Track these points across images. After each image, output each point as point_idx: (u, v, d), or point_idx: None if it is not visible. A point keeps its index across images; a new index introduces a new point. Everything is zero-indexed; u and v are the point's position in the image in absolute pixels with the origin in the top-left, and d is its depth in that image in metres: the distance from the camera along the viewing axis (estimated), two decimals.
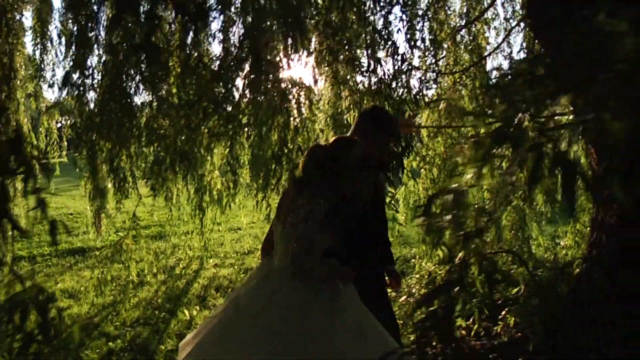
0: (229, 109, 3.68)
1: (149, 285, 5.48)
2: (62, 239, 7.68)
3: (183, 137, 3.67)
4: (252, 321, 2.33)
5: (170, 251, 6.96)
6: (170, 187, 4.74)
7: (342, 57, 4.49)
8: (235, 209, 6.07)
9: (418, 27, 4.74)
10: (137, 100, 4.03)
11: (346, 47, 4.53)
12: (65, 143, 6.54)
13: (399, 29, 4.74)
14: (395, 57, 4.76)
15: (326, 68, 4.56)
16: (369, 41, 4.55)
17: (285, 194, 2.78)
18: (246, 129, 4.29)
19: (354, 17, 4.54)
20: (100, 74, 4.25)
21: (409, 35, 4.73)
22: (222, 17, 4.07)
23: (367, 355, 2.13)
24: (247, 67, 4.11)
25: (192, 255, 6.69)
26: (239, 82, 3.95)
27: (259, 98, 3.99)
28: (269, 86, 3.96)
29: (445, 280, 0.82)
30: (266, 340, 2.23)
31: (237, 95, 4.04)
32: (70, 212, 9.99)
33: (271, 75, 3.95)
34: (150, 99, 3.89)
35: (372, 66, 4.50)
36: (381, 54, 4.70)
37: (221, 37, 4.12)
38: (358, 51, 4.58)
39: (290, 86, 4.22)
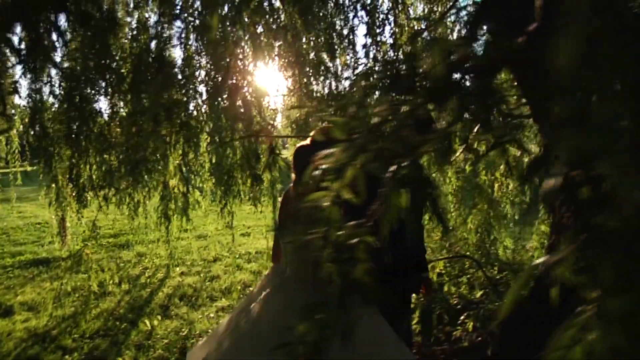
0: (182, 116, 3.62)
1: (112, 296, 5.37)
2: (27, 250, 7.54)
3: (136, 145, 3.60)
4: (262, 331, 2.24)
5: (136, 260, 6.85)
6: (132, 195, 4.67)
7: (303, 62, 4.45)
8: (202, 216, 6.00)
9: (379, 31, 4.75)
10: (96, 107, 3.97)
11: (308, 52, 4.51)
12: (28, 152, 6.42)
13: (365, 34, 4.75)
14: (357, 62, 4.76)
15: (288, 73, 4.52)
16: (330, 46, 4.53)
17: (285, 201, 2.68)
18: (206, 136, 4.24)
19: (315, 22, 4.50)
20: (58, 80, 4.19)
21: (370, 39, 4.73)
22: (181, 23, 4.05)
23: None
24: (205, 74, 4.09)
25: (159, 263, 6.59)
26: (195, 89, 3.93)
27: (219, 104, 3.95)
28: (232, 92, 3.92)
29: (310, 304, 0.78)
30: (268, 343, 2.15)
31: (192, 102, 4.01)
32: (38, 222, 9.82)
33: (232, 82, 3.92)
34: (105, 106, 3.84)
35: (334, 71, 4.50)
36: (343, 58, 4.69)
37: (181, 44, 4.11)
38: (324, 55, 4.57)
39: (251, 92, 4.17)
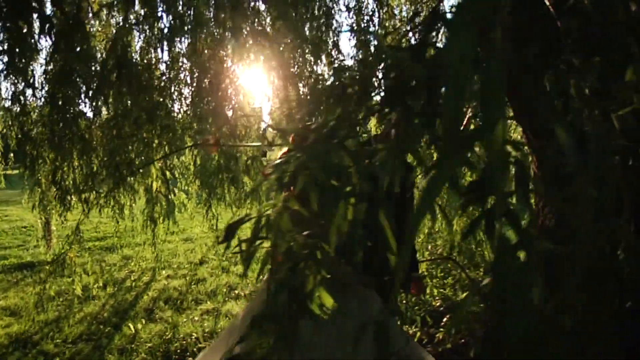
0: (164, 118, 3.60)
1: (96, 299, 5.33)
2: (12, 254, 7.47)
3: (116, 148, 3.58)
4: None
5: (122, 263, 6.81)
6: (117, 199, 4.64)
7: (285, 64, 4.44)
8: (188, 219, 5.98)
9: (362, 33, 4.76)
10: (79, 110, 3.95)
11: (291, 55, 4.50)
12: (12, 155, 6.38)
13: (349, 38, 4.75)
14: (341, 64, 4.75)
15: (270, 76, 4.51)
16: (314, 48, 4.52)
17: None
18: (189, 139, 4.23)
19: (299, 23, 4.49)
20: (40, 83, 4.17)
21: (354, 41, 4.75)
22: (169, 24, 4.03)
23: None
24: (189, 76, 4.07)
25: (145, 266, 6.56)
26: (175, 91, 3.91)
27: (202, 106, 3.94)
28: (215, 95, 3.91)
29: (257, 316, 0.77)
30: None
31: (176, 105, 3.99)
32: (24, 225, 9.74)
33: (212, 83, 3.90)
34: (87, 109, 3.81)
35: (315, 74, 4.50)
36: (327, 60, 4.69)
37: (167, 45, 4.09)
38: (308, 57, 4.56)
39: (234, 95, 4.15)
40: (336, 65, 4.57)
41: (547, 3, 1.30)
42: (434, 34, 0.90)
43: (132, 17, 3.81)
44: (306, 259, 0.80)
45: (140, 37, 3.75)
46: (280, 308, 0.79)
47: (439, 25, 0.83)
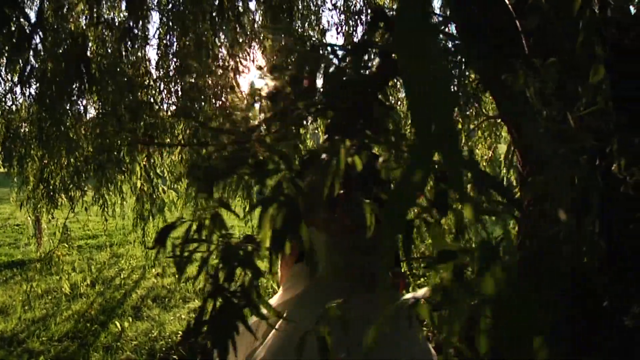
0: (148, 117, 3.59)
1: (85, 297, 5.33)
2: (2, 252, 7.45)
3: (100, 147, 3.56)
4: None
5: (113, 261, 6.80)
6: (105, 197, 4.63)
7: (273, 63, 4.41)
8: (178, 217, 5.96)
9: (351, 31, 4.77)
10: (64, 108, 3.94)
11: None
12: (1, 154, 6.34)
13: (337, 35, 4.77)
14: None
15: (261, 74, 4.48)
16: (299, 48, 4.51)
17: None
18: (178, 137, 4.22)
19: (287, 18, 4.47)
20: (28, 81, 4.17)
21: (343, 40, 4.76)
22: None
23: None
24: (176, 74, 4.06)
25: (135, 264, 6.55)
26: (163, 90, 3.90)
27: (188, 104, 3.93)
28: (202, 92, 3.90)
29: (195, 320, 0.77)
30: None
31: (163, 104, 3.98)
32: (16, 223, 9.70)
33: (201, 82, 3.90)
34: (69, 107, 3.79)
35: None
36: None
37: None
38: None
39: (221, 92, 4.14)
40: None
41: (507, 2, 1.29)
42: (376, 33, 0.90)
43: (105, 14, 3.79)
44: (242, 265, 0.80)
45: (107, 34, 3.72)
46: (217, 315, 0.79)
47: (381, 25, 0.82)
